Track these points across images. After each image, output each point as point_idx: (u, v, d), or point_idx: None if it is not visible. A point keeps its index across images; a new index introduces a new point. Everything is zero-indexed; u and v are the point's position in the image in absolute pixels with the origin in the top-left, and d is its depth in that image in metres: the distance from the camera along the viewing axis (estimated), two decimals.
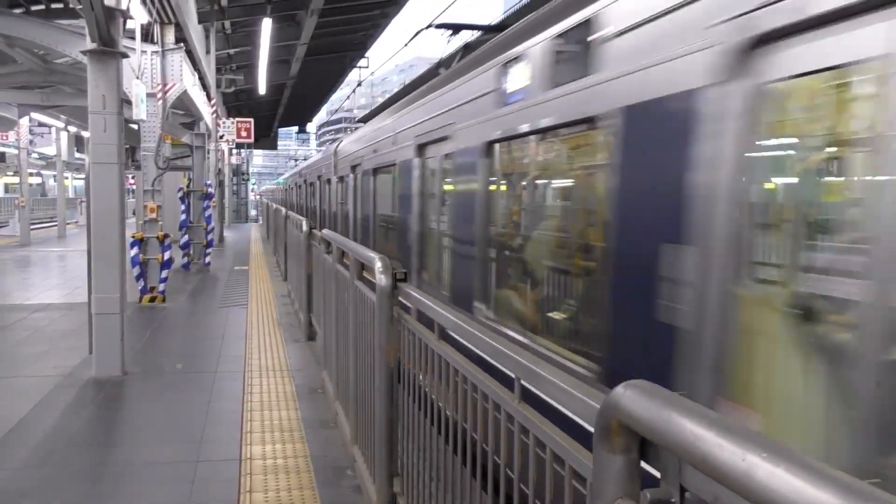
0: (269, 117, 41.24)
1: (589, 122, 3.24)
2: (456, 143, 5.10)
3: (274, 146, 61.15)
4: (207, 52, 18.96)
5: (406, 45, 25.35)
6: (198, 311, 10.29)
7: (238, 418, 5.45)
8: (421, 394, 2.96)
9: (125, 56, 6.81)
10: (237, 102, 32.12)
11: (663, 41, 2.67)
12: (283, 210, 13.53)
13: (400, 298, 3.38)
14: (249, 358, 7.33)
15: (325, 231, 5.81)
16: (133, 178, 27.86)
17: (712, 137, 2.37)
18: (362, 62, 31.82)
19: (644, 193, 2.76)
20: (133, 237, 10.85)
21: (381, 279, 3.42)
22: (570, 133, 3.59)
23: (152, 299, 10.95)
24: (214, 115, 20.40)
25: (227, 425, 5.31)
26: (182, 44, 13.03)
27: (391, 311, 3.39)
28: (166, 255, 11.12)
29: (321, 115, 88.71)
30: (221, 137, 23.58)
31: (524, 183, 4.40)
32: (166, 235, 11.22)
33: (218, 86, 23.29)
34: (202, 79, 17.82)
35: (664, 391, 1.28)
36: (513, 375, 1.98)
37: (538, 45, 3.77)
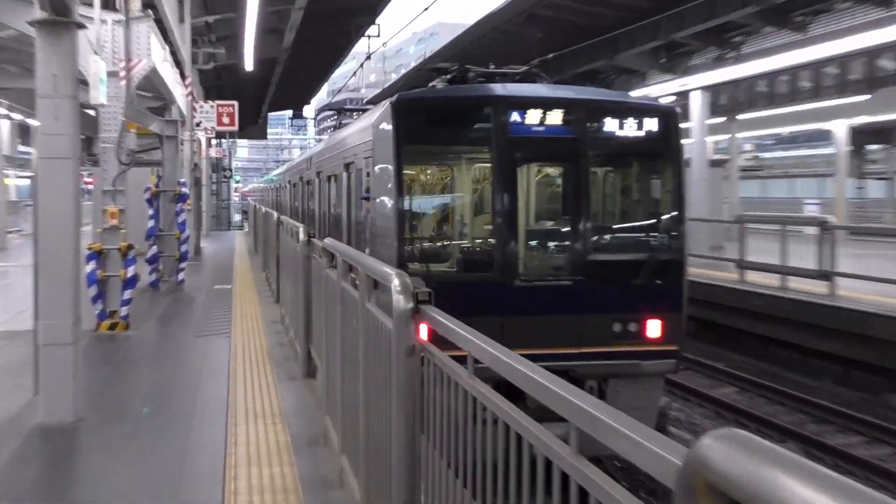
0: (256, 99, 41.58)
1: (337, 175, 12.93)
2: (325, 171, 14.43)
3: (263, 135, 61.44)
4: (181, 20, 19.21)
5: (426, 9, 25.45)
6: (169, 342, 10.39)
7: (220, 475, 5.47)
8: (450, 444, 2.98)
9: (81, 27, 6.92)
10: (218, 82, 32.44)
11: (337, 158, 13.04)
12: (275, 214, 13.58)
13: (423, 324, 3.39)
14: (234, 400, 7.40)
15: (328, 240, 5.84)
16: (90, 175, 28.08)
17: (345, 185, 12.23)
18: (372, 30, 32.00)
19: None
20: (89, 249, 11.00)
21: (399, 300, 3.44)
22: (335, 173, 13.17)
23: (113, 326, 11.09)
24: (189, 98, 20.64)
25: (206, 485, 5.33)
26: (150, 11, 13.22)
27: (412, 340, 3.39)
28: (130, 272, 11.29)
29: (321, 96, 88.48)
30: (198, 125, 23.83)
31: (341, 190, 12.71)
32: (130, 247, 11.36)
33: (194, 62, 23.55)
34: (174, 53, 18.03)
35: (762, 443, 1.25)
36: (569, 422, 1.99)
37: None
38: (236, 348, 9.78)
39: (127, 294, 11.24)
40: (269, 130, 64.69)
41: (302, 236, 7.87)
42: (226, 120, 25.39)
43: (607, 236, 9.53)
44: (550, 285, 8.93)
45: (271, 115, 59.60)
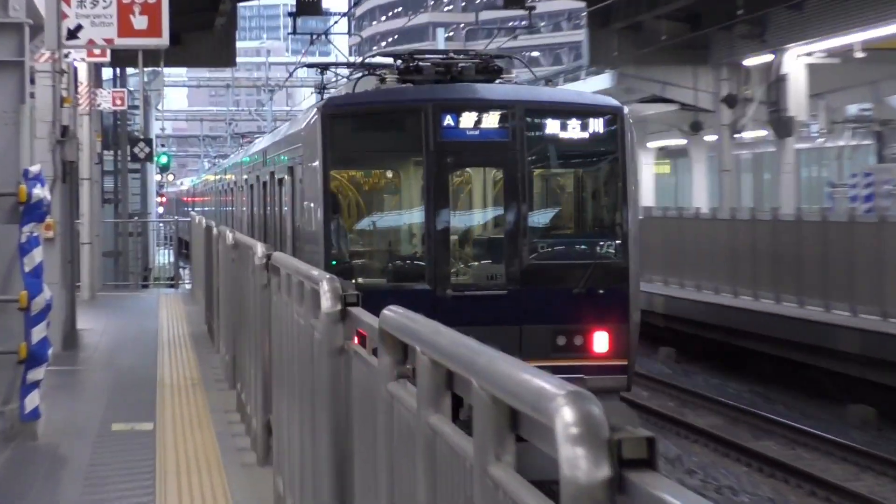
0: None
1: (281, 180, 15.04)
2: (259, 175, 18.03)
3: (225, 58, 30.63)
4: None
5: None
6: None
7: None
8: None
9: None
10: None
11: (288, 162, 14.42)
12: (260, 249, 7.77)
13: None
14: None
15: (392, 314, 2.75)
16: None
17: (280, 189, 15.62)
18: None
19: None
20: None
21: (577, 464, 2.00)
22: (273, 179, 16.18)
23: None
24: None
25: None
26: None
27: None
28: None
29: None
30: (74, 35, 12.32)
31: (277, 192, 15.44)
32: None
33: None
34: None
35: None
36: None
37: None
38: None
39: None
40: (240, 46, 36.27)
41: (327, 304, 4.44)
42: (139, 24, 12.53)
43: (545, 243, 11.28)
44: (485, 294, 10.57)
45: (245, 7, 34.51)
